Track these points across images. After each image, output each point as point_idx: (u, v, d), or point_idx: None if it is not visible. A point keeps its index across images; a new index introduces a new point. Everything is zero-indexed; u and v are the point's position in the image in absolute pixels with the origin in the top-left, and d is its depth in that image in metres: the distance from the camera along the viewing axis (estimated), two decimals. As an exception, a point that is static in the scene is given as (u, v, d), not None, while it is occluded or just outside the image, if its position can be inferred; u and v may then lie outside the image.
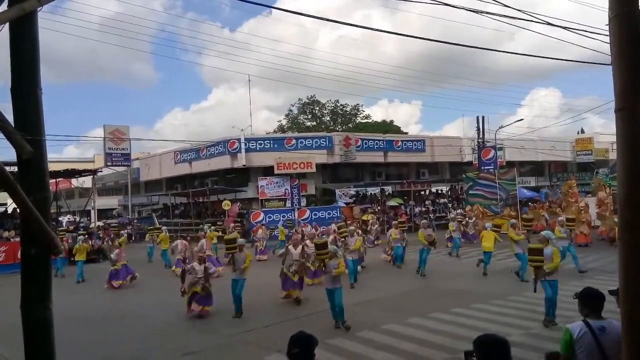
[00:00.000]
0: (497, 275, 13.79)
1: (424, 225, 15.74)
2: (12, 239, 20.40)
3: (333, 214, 27.13)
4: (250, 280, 10.85)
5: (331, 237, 14.90)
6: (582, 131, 51.78)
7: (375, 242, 20.88)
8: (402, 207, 32.17)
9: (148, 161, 40.26)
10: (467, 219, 22.54)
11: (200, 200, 34.68)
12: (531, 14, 6.75)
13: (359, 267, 14.22)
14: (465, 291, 11.74)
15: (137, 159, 40.27)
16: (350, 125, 53.53)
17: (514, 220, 16.22)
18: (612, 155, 38.28)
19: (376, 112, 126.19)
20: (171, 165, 35.93)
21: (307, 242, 12.58)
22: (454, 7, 6.46)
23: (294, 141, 31.27)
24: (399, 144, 34.70)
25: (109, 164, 33.51)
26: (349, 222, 22.26)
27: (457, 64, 77.34)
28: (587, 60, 27.47)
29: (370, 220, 23.36)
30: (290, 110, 55.38)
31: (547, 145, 41.07)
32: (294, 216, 27.59)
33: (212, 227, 21.32)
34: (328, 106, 55.02)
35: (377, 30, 13.80)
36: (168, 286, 13.35)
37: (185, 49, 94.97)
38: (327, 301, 9.30)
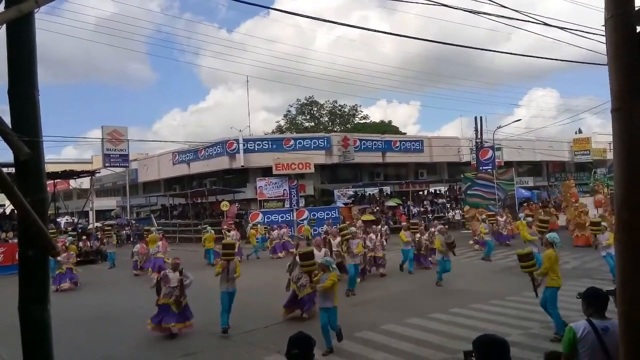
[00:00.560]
0: (497, 275, 13.81)
1: (441, 231, 13.61)
2: (10, 240, 20.43)
3: (331, 215, 27.16)
4: (250, 281, 10.81)
5: (337, 239, 13.32)
6: (580, 131, 51.93)
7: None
8: (401, 207, 32.22)
9: (146, 162, 40.22)
10: (498, 218, 20.43)
11: (199, 201, 34.68)
12: (527, 14, 6.79)
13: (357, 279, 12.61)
14: (464, 291, 11.75)
15: (136, 160, 40.18)
16: (348, 125, 53.60)
17: (530, 219, 15.27)
18: (610, 155, 38.42)
19: (374, 113, 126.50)
20: (169, 166, 35.92)
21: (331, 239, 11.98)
22: (451, 7, 6.48)
23: (292, 142, 31.30)
24: (397, 144, 34.78)
25: (107, 165, 33.42)
26: (348, 222, 22.10)
27: (455, 65, 77.53)
28: (583, 60, 27.53)
29: (381, 224, 20.32)
30: (289, 111, 55.57)
31: (545, 145, 41.20)
32: (293, 217, 27.61)
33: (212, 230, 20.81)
34: (326, 107, 55.14)
35: (375, 30, 13.82)
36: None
37: (182, 50, 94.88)
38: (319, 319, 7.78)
